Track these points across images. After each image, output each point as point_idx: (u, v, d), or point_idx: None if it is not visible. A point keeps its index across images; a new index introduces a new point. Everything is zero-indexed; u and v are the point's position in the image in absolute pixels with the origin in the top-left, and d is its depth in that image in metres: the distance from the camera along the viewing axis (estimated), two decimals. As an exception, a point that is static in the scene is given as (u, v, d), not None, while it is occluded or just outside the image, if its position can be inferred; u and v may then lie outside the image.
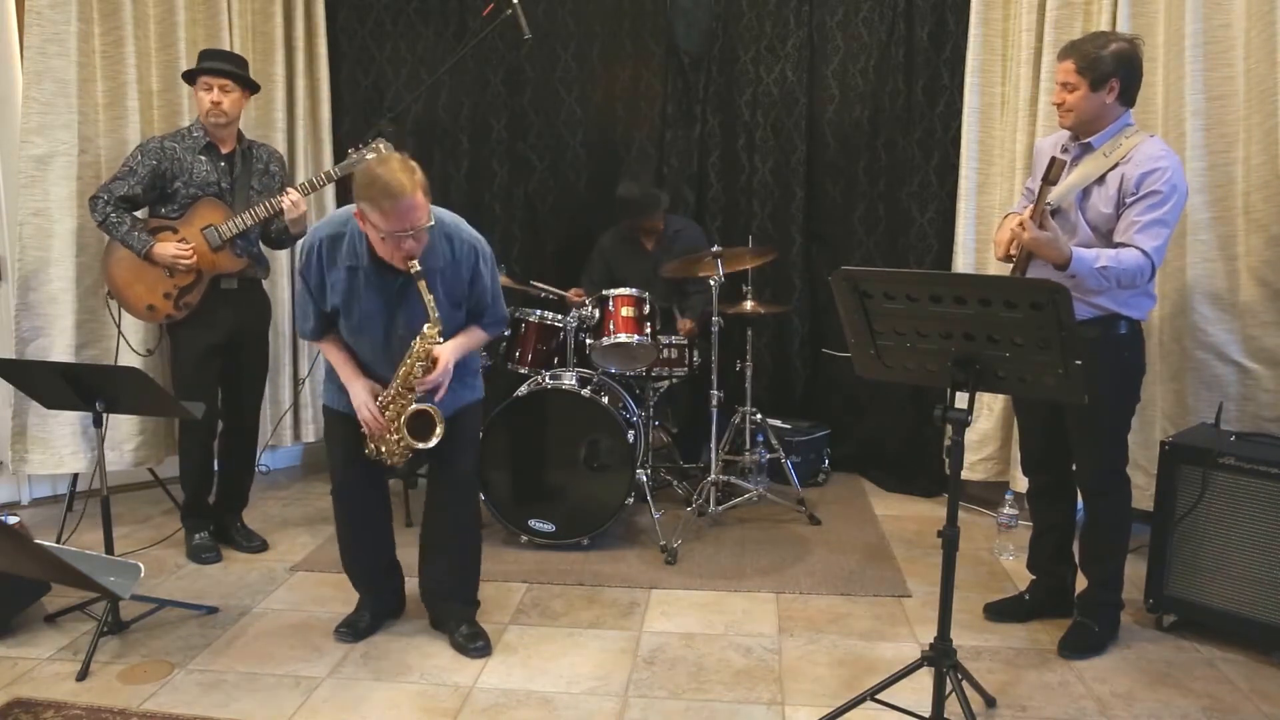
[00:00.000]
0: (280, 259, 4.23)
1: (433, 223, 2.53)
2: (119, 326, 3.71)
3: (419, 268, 2.51)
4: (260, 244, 3.59)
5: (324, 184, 3.58)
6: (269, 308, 3.72)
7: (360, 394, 2.70)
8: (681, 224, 4.43)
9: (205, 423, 3.39)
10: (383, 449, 2.75)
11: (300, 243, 2.61)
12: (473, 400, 2.88)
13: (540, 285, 4.14)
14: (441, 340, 2.64)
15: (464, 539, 2.95)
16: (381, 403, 2.69)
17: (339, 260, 2.62)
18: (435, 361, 2.63)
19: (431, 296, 2.55)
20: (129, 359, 3.72)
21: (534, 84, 4.67)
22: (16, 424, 3.84)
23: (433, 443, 2.67)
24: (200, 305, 3.43)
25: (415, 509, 3.77)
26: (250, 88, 3.50)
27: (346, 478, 2.89)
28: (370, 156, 3.36)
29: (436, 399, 2.68)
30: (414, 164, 2.49)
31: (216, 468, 3.70)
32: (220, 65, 3.39)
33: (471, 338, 2.79)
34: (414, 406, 2.66)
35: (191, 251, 3.34)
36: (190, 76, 3.43)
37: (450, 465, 2.87)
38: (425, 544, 2.98)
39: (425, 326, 2.60)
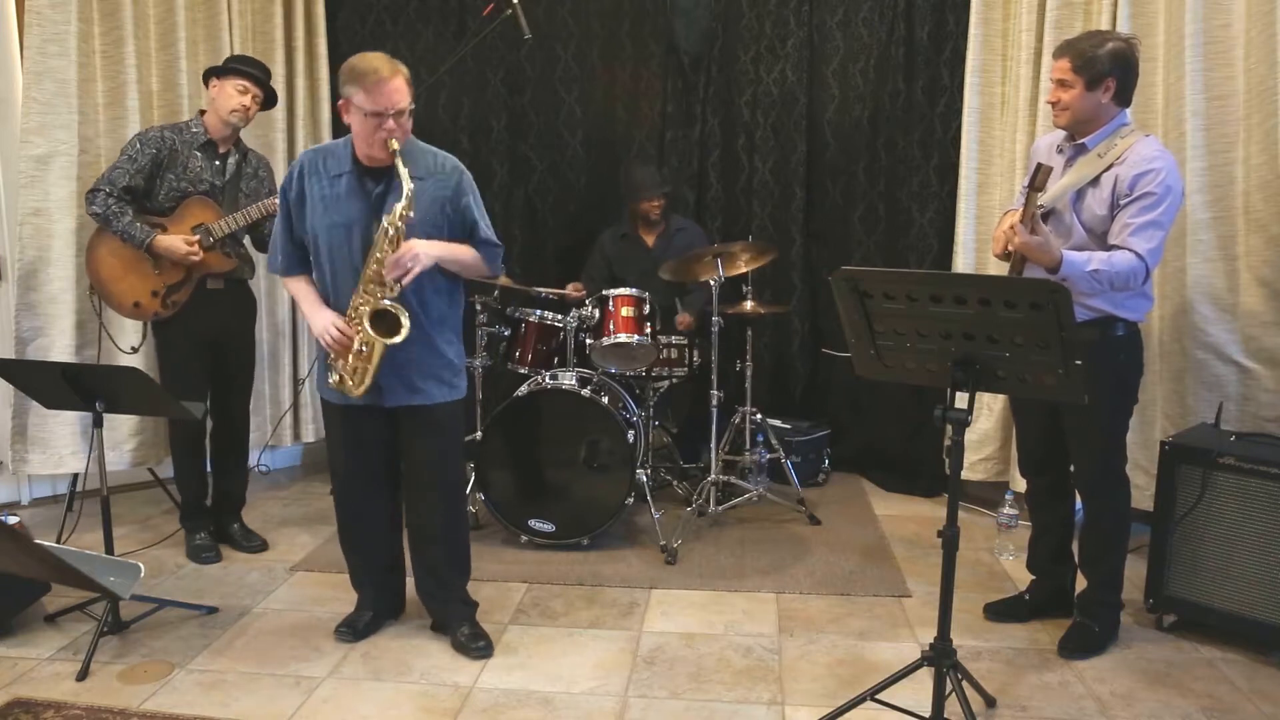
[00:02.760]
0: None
1: (413, 105, 2.62)
2: (101, 321, 3.70)
3: (397, 147, 2.56)
4: (248, 246, 3.60)
5: None
6: (255, 308, 3.72)
7: (325, 314, 2.67)
8: (684, 223, 4.44)
9: (195, 423, 3.39)
10: (347, 375, 2.67)
11: None
12: (452, 399, 2.81)
13: (538, 290, 4.14)
14: (413, 216, 2.58)
15: (453, 539, 2.92)
16: (351, 313, 2.64)
17: (323, 170, 2.68)
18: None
19: (407, 171, 2.55)
20: (115, 356, 3.71)
21: (534, 84, 4.68)
22: (16, 424, 3.84)
23: (401, 335, 2.56)
24: (186, 305, 3.42)
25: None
26: (268, 104, 3.55)
27: (345, 470, 2.87)
28: None
29: (404, 283, 2.57)
30: (397, 61, 2.62)
31: (209, 469, 3.70)
32: (259, 74, 3.45)
33: (457, 248, 2.72)
34: (380, 304, 2.57)
35: (198, 247, 3.34)
36: (219, 73, 3.42)
37: (432, 465, 2.83)
38: (414, 547, 2.96)
39: (396, 205, 2.56)
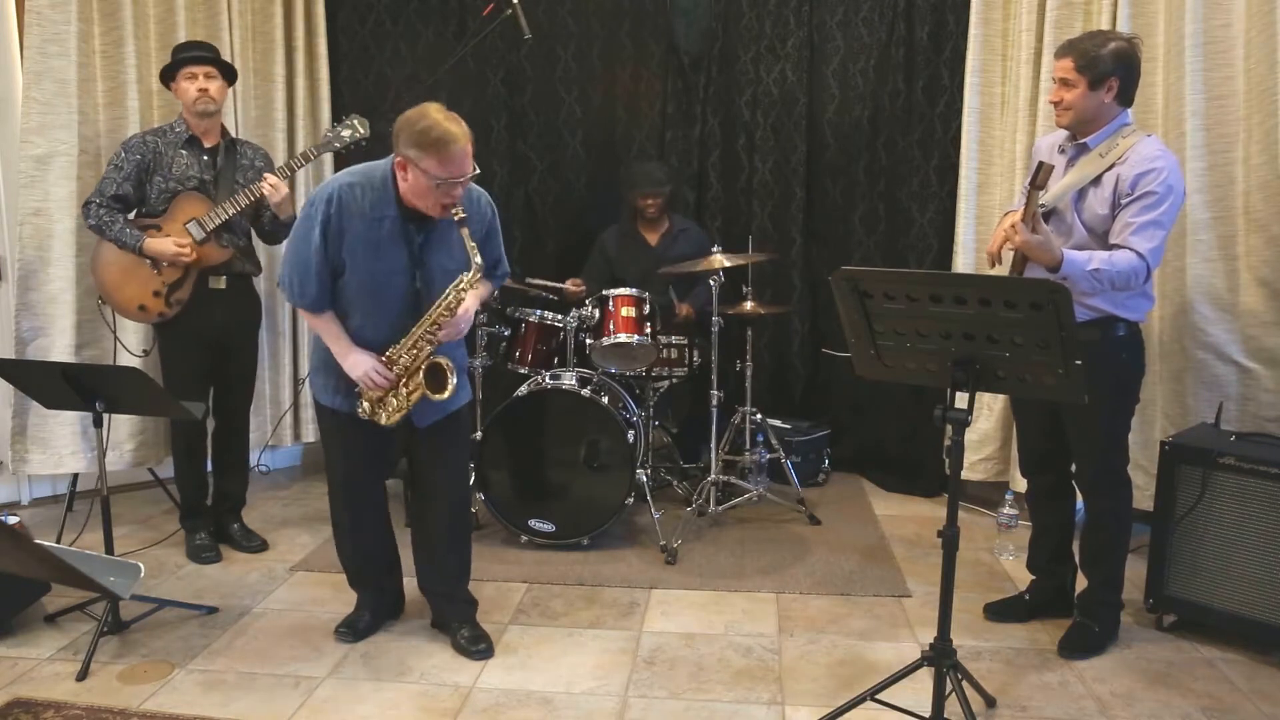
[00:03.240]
0: (274, 256, 4.20)
1: (479, 170, 2.60)
2: (114, 330, 3.71)
3: (464, 214, 2.55)
4: (252, 239, 3.59)
5: (302, 165, 3.56)
6: (259, 307, 3.71)
7: (364, 361, 2.65)
8: (686, 224, 4.44)
9: (195, 424, 3.40)
10: (380, 409, 2.71)
11: (317, 191, 2.62)
12: (466, 402, 2.87)
13: (535, 282, 4.15)
14: (476, 289, 2.67)
15: (458, 539, 2.93)
16: (390, 357, 2.67)
17: (359, 211, 2.58)
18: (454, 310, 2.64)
19: (475, 245, 2.58)
20: (127, 362, 3.71)
21: (534, 84, 4.67)
22: (16, 424, 3.84)
23: (447, 394, 2.65)
24: (190, 304, 3.43)
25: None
26: (230, 77, 3.51)
27: (346, 476, 2.88)
28: (346, 134, 3.47)
29: (460, 336, 2.71)
30: (456, 115, 2.57)
31: (210, 469, 3.70)
32: (201, 54, 3.42)
33: (484, 289, 2.83)
34: (434, 359, 2.66)
35: (189, 245, 3.34)
36: (169, 72, 3.42)
37: (444, 466, 2.85)
38: (420, 545, 2.96)
39: (463, 274, 2.61)
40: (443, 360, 2.66)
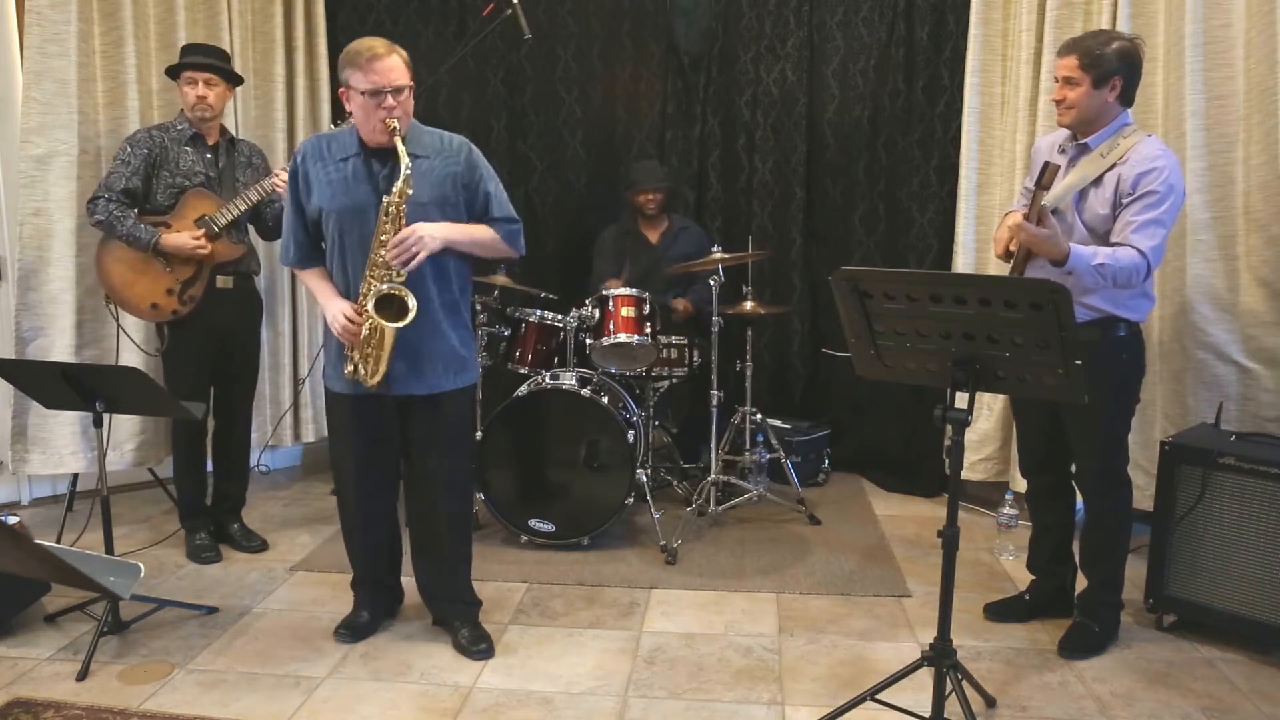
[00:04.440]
0: (273, 254, 4.19)
1: (411, 84, 2.60)
2: (120, 329, 3.71)
3: (396, 124, 2.54)
4: (250, 237, 3.60)
5: None
6: (261, 306, 3.71)
7: (338, 303, 2.64)
8: (686, 223, 4.45)
9: (195, 423, 3.40)
10: (360, 364, 2.65)
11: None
12: (459, 386, 2.77)
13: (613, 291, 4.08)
14: (411, 191, 2.56)
15: (457, 537, 2.91)
16: (360, 300, 2.62)
17: (328, 155, 2.67)
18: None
19: (405, 148, 2.54)
20: (135, 360, 3.71)
21: (534, 84, 4.67)
22: (16, 424, 3.84)
23: (408, 319, 2.55)
24: (199, 303, 3.43)
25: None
26: (234, 81, 3.52)
27: (353, 464, 2.84)
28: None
29: (410, 267, 2.56)
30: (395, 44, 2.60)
31: (210, 469, 3.70)
32: (203, 60, 3.41)
33: (472, 229, 2.71)
34: (381, 288, 2.56)
35: (204, 239, 3.34)
36: (174, 71, 3.44)
37: (437, 459, 2.80)
38: (417, 542, 2.94)
39: (396, 184, 2.55)
40: (391, 288, 2.55)
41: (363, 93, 2.53)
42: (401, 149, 2.54)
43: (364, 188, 2.64)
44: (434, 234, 2.59)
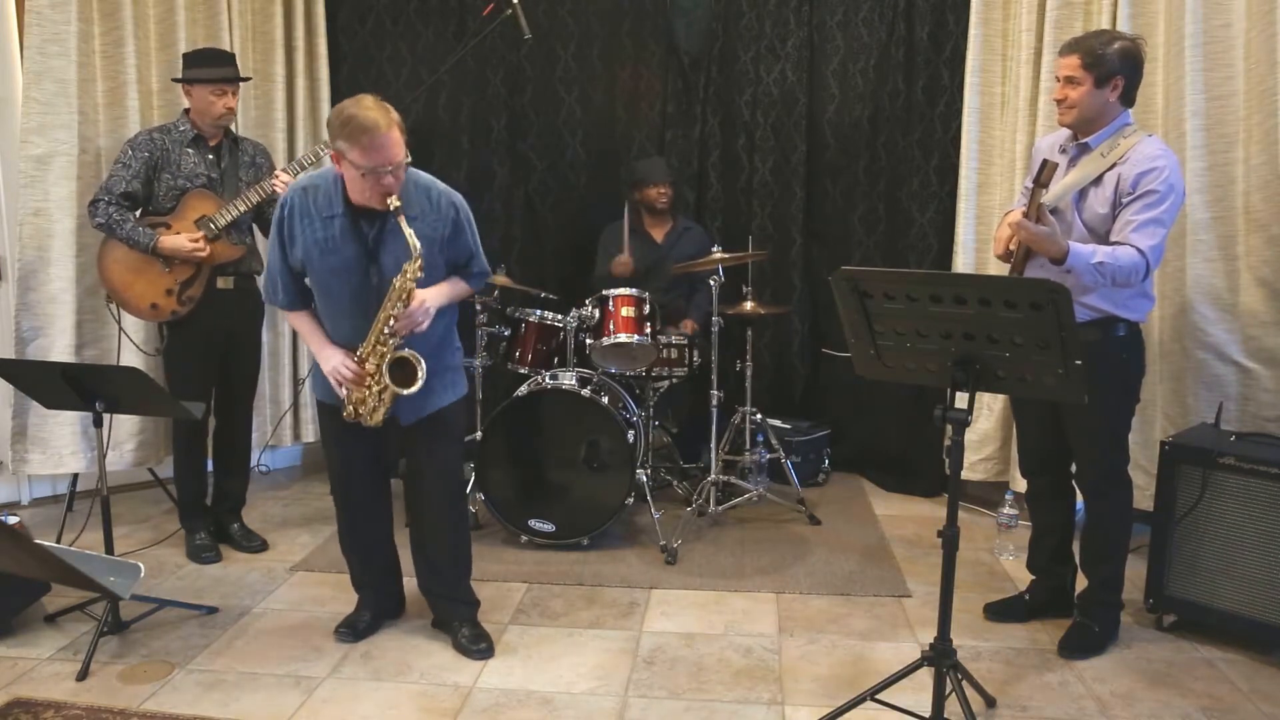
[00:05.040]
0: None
1: (409, 159, 2.55)
2: (121, 328, 3.71)
3: (399, 203, 2.51)
4: (254, 236, 3.60)
5: (313, 162, 3.57)
6: (262, 306, 3.70)
7: (334, 355, 2.66)
8: (690, 223, 4.45)
9: (195, 423, 3.40)
10: (361, 409, 2.70)
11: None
12: (454, 400, 2.83)
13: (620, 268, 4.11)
14: (422, 274, 2.59)
15: (455, 539, 2.92)
16: (361, 355, 2.65)
17: (314, 211, 2.61)
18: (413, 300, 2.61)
19: (411, 230, 2.53)
20: (135, 360, 3.71)
21: (534, 84, 4.67)
22: (16, 424, 3.84)
23: (416, 387, 2.61)
24: (199, 304, 3.43)
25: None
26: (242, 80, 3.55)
27: (346, 473, 2.88)
28: None
29: (419, 329, 2.62)
30: (387, 104, 2.52)
31: (210, 468, 3.70)
32: (229, 73, 3.42)
33: (454, 287, 2.76)
34: (396, 353, 2.62)
35: (203, 240, 3.35)
36: (188, 81, 3.41)
37: (435, 465, 2.83)
38: (416, 545, 2.96)
39: (405, 264, 2.56)
40: (407, 353, 2.62)
41: (363, 171, 2.47)
42: (408, 230, 2.52)
43: (352, 248, 2.61)
44: (436, 303, 2.66)
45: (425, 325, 2.63)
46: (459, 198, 2.73)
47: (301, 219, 2.62)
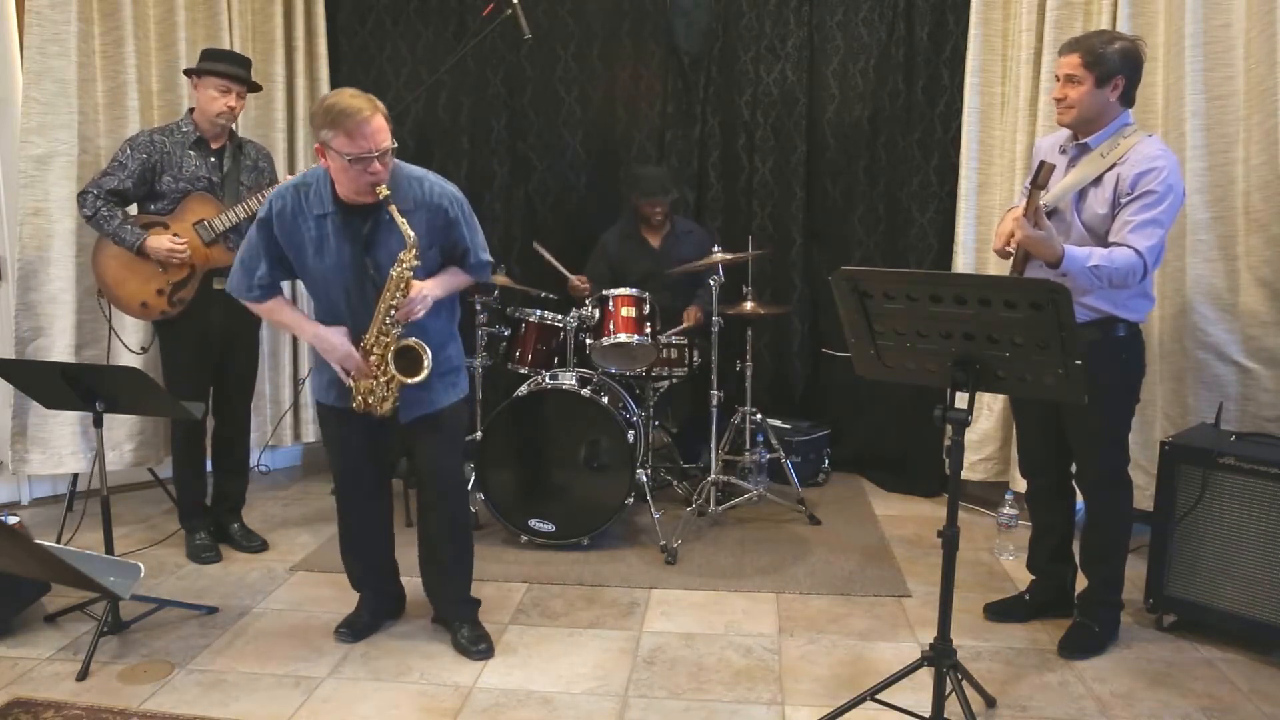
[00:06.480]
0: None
1: (395, 144, 2.54)
2: (110, 324, 3.71)
3: (388, 192, 2.50)
4: None
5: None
6: None
7: (336, 338, 2.65)
8: (690, 226, 4.44)
9: (195, 423, 3.40)
10: (370, 399, 2.70)
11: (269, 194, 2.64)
12: (456, 400, 2.82)
13: (544, 252, 4.15)
14: (419, 262, 2.59)
15: (456, 539, 2.92)
16: (365, 345, 2.66)
17: (306, 210, 2.60)
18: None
19: (404, 220, 2.53)
20: (123, 357, 3.71)
21: (534, 84, 4.67)
22: (16, 424, 3.84)
23: (423, 375, 2.62)
24: (193, 304, 3.43)
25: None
26: (254, 90, 3.54)
27: (347, 474, 2.88)
28: None
29: (414, 316, 2.62)
30: (371, 95, 2.52)
31: (210, 469, 3.70)
32: (239, 72, 3.41)
33: (453, 278, 2.76)
34: (400, 343, 2.63)
35: (186, 246, 3.34)
36: (197, 72, 3.41)
37: (436, 465, 2.84)
38: (421, 544, 2.97)
39: (401, 252, 2.56)
40: (412, 341, 2.63)
41: (349, 160, 2.45)
42: (400, 219, 2.52)
43: (347, 247, 2.61)
44: (435, 293, 2.66)
45: (422, 313, 2.62)
46: (453, 189, 2.72)
47: (294, 217, 2.62)
